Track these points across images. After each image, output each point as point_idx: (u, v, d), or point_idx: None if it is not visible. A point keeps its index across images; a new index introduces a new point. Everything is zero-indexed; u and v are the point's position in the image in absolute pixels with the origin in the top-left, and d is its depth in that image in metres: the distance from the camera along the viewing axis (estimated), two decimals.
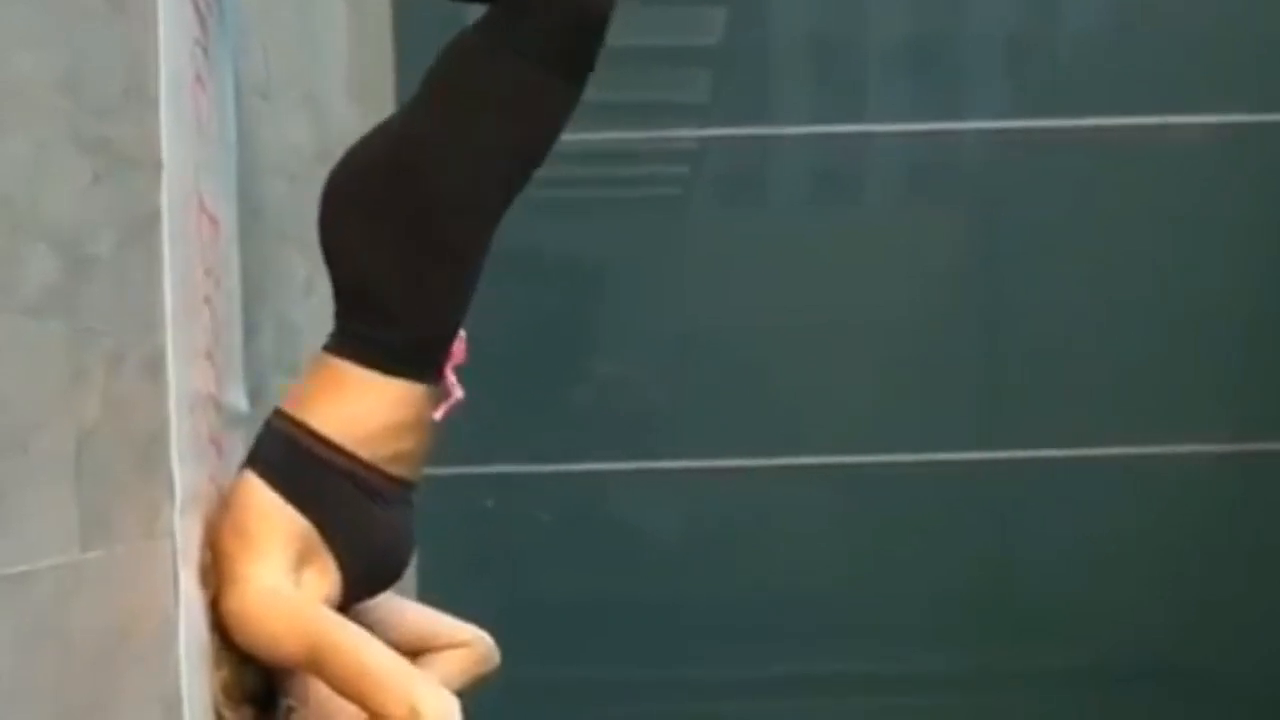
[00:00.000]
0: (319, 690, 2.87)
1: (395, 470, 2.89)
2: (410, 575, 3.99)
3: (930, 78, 7.40)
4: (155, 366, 2.51)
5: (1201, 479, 7.03)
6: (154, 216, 2.53)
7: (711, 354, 7.20)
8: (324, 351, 2.86)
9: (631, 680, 7.15)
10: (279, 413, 2.86)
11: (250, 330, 3.38)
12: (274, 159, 3.84)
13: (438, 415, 2.97)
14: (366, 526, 2.86)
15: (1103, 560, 7.01)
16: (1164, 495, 7.05)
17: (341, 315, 2.87)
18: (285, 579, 2.77)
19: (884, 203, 7.63)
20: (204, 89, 2.89)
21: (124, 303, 2.36)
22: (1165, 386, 7.08)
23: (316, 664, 2.73)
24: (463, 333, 2.97)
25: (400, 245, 2.81)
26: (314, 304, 3.83)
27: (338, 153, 2.96)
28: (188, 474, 2.63)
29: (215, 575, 2.77)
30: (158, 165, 2.55)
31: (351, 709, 2.80)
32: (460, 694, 2.83)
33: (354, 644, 2.75)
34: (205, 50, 2.92)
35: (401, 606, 3.26)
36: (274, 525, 2.78)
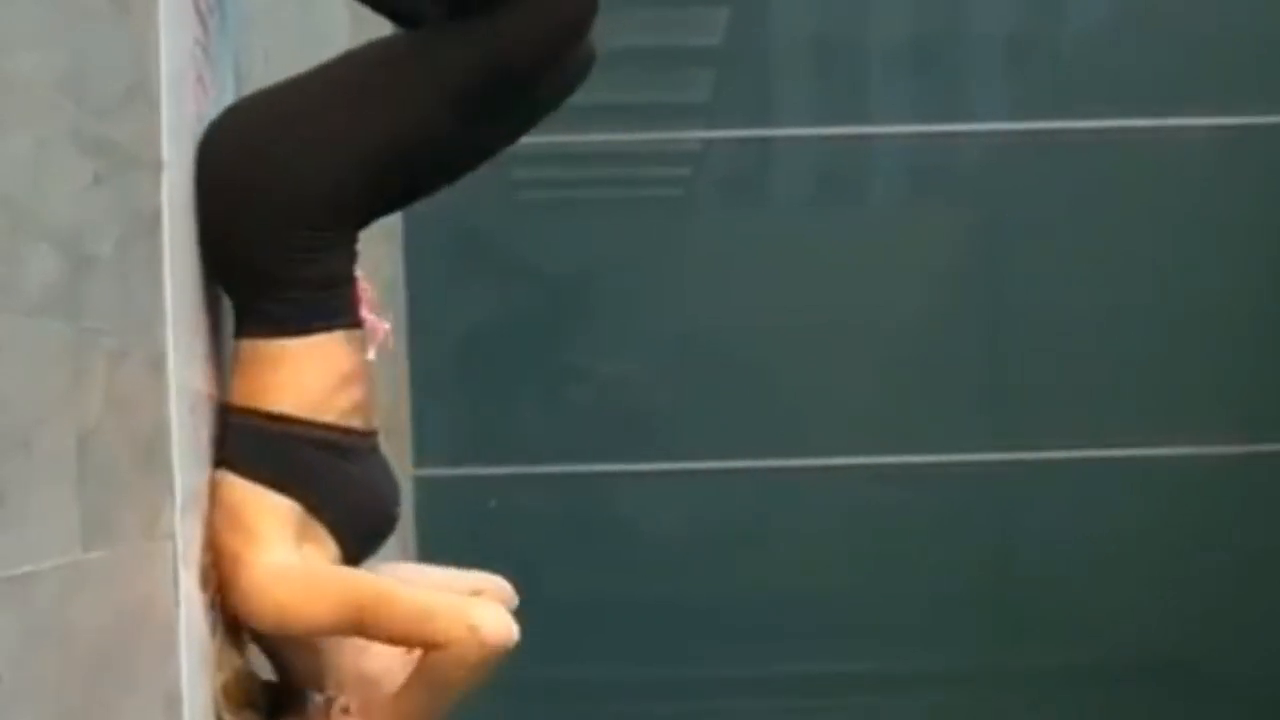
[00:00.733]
0: (358, 669, 2.87)
1: (354, 423, 2.89)
2: None
3: (932, 79, 7.40)
4: (156, 366, 2.51)
5: (1203, 480, 7.03)
6: (155, 216, 2.54)
7: (713, 355, 7.20)
8: (240, 339, 2.86)
9: (633, 680, 7.15)
10: (229, 409, 2.85)
11: None
12: None
13: (370, 355, 2.97)
14: (346, 488, 2.87)
15: (1104, 561, 7.01)
16: (1165, 496, 7.05)
17: (240, 299, 2.86)
18: (293, 556, 2.78)
19: (886, 204, 7.64)
20: (205, 89, 2.90)
21: (125, 303, 2.37)
22: (1166, 388, 7.08)
23: (359, 620, 2.74)
24: (360, 272, 2.96)
25: (274, 219, 2.82)
26: None
27: None
28: (188, 474, 2.63)
29: (222, 577, 2.77)
30: (159, 165, 2.55)
31: (395, 673, 2.81)
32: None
33: (389, 587, 2.78)
34: (206, 50, 2.93)
35: (415, 566, 3.29)
36: (263, 513, 2.79)
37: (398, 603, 2.75)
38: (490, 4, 2.84)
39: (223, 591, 2.79)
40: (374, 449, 2.98)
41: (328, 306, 2.86)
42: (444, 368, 7.04)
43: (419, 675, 2.78)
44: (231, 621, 2.82)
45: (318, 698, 2.89)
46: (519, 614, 2.85)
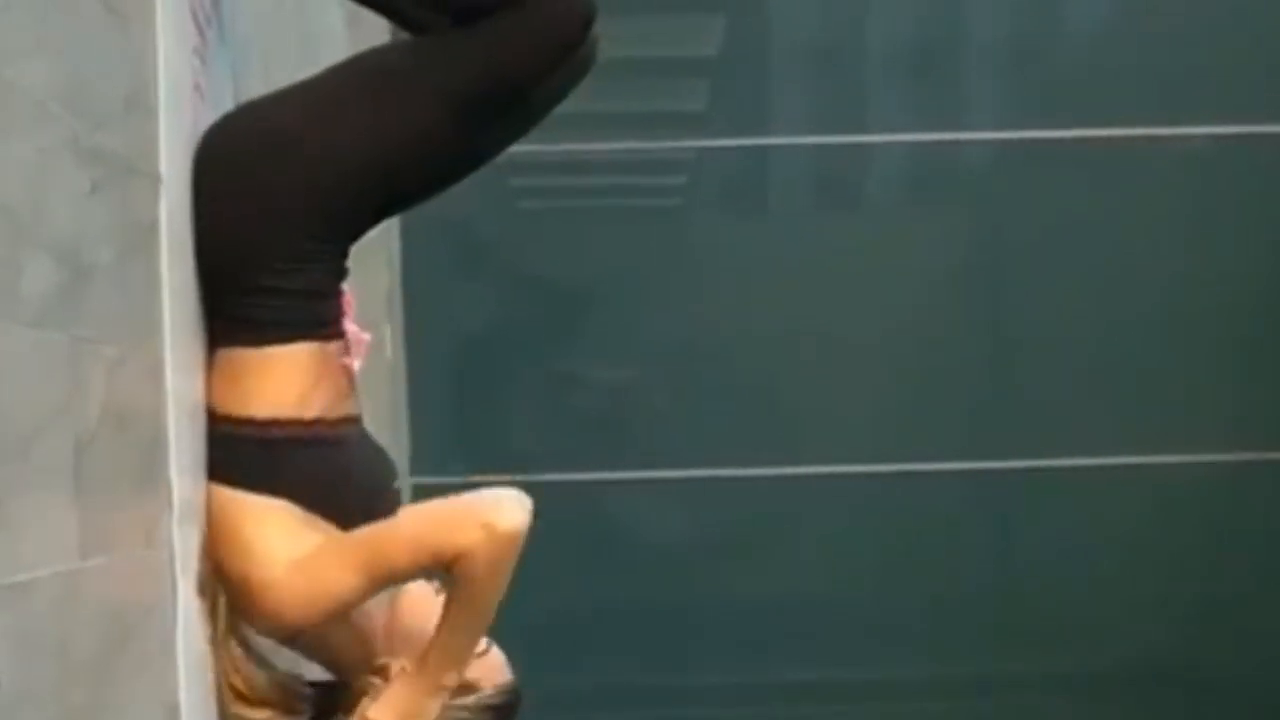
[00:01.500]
0: (397, 629, 2.88)
1: (340, 413, 2.89)
2: None
3: (929, 88, 7.41)
4: (154, 375, 2.51)
5: (1204, 488, 7.04)
6: (153, 226, 2.53)
7: (710, 363, 7.21)
8: (219, 349, 2.85)
9: (636, 687, 7.15)
10: (215, 419, 2.84)
11: None
12: None
13: (355, 364, 2.97)
14: (341, 479, 2.86)
15: (1105, 568, 7.02)
16: (1167, 504, 7.05)
17: (223, 307, 2.85)
18: (297, 551, 2.78)
19: (883, 213, 7.64)
20: (203, 98, 2.90)
21: (123, 312, 2.37)
22: (1167, 396, 7.08)
23: (377, 571, 2.74)
24: (345, 286, 2.96)
25: (266, 228, 2.82)
26: None
27: None
28: (186, 484, 2.63)
29: (236, 604, 2.77)
30: (156, 175, 2.55)
31: (433, 616, 2.80)
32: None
33: (390, 526, 2.79)
34: (204, 60, 2.93)
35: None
36: (260, 522, 2.78)
37: (406, 537, 2.76)
38: (491, 12, 2.84)
39: (245, 619, 2.79)
40: (362, 432, 2.98)
41: (313, 316, 2.86)
42: (441, 376, 7.05)
43: (454, 598, 2.77)
44: (233, 625, 2.82)
45: (374, 679, 2.88)
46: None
